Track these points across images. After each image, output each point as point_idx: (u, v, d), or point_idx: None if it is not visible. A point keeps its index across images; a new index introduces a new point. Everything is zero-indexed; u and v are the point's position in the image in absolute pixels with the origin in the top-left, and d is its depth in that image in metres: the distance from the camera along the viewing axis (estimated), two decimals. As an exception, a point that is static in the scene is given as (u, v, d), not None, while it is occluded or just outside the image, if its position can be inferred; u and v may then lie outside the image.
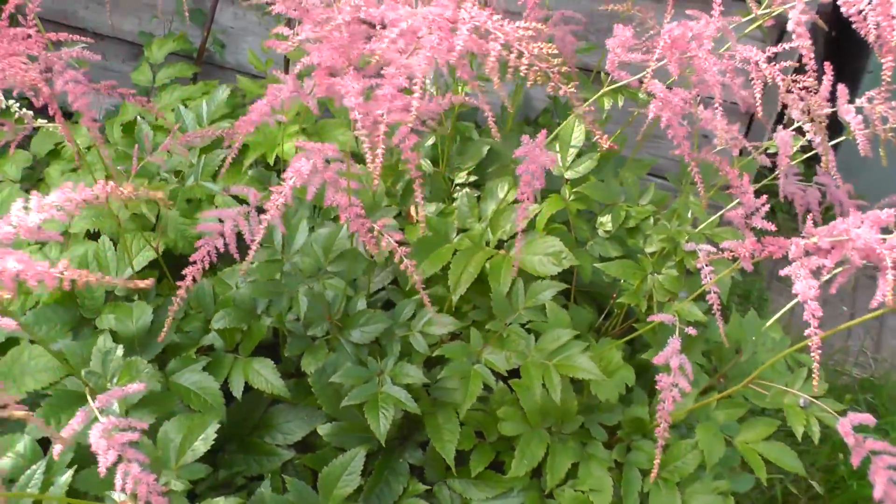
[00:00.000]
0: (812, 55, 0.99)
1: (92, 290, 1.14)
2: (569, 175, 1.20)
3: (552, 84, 0.76)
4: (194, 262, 0.84)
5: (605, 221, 1.20)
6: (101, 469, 0.75)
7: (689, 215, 1.18)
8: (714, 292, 1.03)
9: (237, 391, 1.10)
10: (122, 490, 0.75)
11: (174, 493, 0.86)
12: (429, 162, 1.29)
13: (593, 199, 1.17)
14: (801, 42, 0.98)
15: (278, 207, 0.81)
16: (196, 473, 0.94)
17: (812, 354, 0.82)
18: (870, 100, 1.03)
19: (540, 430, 1.10)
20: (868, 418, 0.97)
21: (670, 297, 1.15)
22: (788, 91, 1.01)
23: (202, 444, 0.96)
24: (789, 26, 1.00)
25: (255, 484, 1.11)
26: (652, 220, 1.18)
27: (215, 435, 0.96)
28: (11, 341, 1.10)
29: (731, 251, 0.88)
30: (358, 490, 1.08)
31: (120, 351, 1.01)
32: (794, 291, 0.84)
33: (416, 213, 1.29)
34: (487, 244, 1.19)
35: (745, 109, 1.07)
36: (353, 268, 1.14)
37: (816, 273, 0.86)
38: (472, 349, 1.07)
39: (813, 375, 1.07)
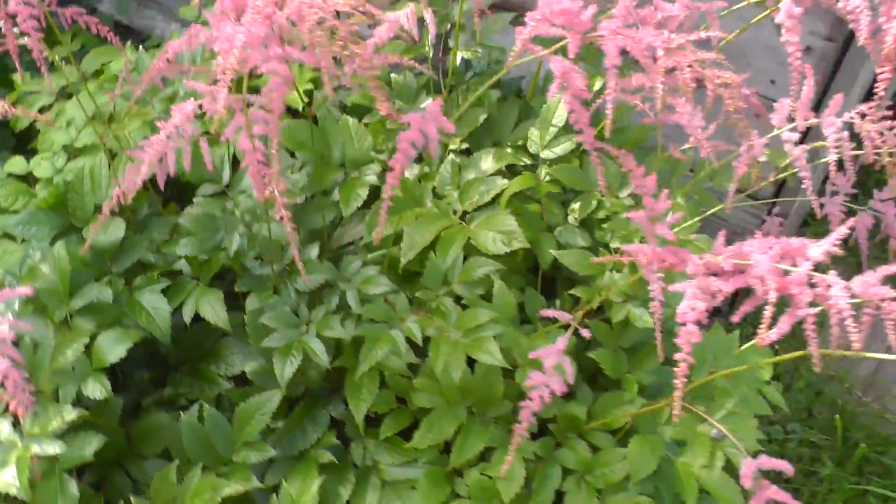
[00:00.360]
0: (797, 51, 0.88)
1: (83, 201, 1.23)
2: (545, 154, 1.15)
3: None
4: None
5: (576, 208, 1.14)
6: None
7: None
8: (658, 300, 0.96)
9: (187, 317, 1.16)
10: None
11: (42, 394, 0.93)
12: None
13: (566, 183, 1.12)
14: (790, 37, 0.88)
15: (176, 131, 0.84)
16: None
17: (675, 382, 0.76)
18: (862, 115, 0.91)
19: (457, 407, 1.08)
20: (782, 465, 0.88)
21: (625, 298, 1.08)
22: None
23: (113, 356, 1.02)
24: (779, 18, 0.90)
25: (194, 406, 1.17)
26: (625, 214, 1.11)
27: (124, 353, 1.03)
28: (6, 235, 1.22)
29: (631, 255, 0.82)
30: (274, 431, 1.12)
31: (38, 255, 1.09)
32: (677, 310, 0.78)
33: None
34: (455, 213, 1.17)
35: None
36: (309, 218, 1.15)
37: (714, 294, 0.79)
38: (397, 314, 1.07)
39: (730, 403, 0.99)
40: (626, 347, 1.16)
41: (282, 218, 0.84)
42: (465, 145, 1.28)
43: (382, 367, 1.09)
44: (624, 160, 0.78)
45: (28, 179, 1.30)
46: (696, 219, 1.08)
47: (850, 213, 1.09)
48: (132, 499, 1.00)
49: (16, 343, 0.84)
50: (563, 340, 0.88)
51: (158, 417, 1.13)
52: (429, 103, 0.83)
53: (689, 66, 0.78)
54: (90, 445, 1.02)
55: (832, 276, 0.68)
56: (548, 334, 1.13)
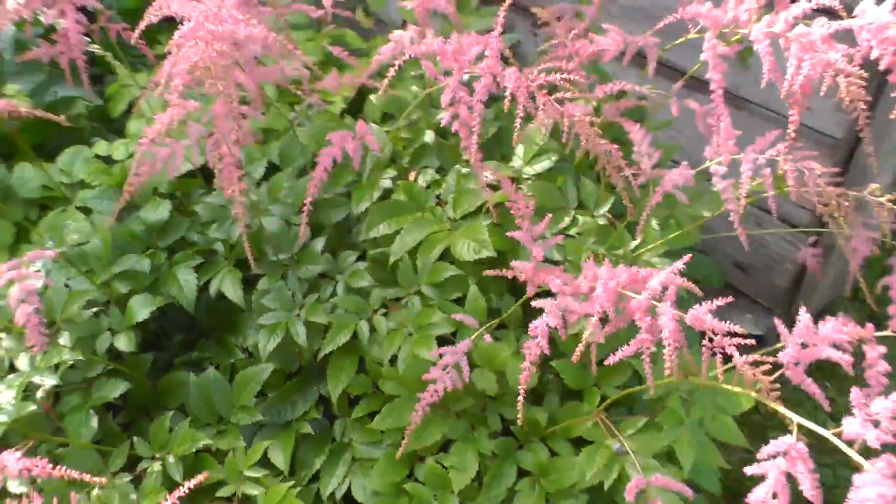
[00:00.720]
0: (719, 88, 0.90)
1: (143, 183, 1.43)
2: (526, 171, 1.21)
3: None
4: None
5: (554, 225, 1.20)
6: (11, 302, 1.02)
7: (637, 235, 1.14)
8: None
9: (213, 292, 1.32)
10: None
11: (56, 335, 1.12)
12: (433, 134, 1.36)
13: (539, 199, 1.18)
14: (713, 75, 0.90)
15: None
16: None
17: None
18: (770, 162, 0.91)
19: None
20: (678, 486, 0.91)
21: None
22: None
23: (140, 316, 1.21)
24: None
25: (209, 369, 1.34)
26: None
27: (147, 314, 1.21)
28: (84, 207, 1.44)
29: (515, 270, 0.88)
30: (265, 400, 1.26)
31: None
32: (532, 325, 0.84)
33: (415, 178, 1.38)
34: (448, 220, 1.26)
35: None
36: (326, 214, 1.29)
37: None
38: (370, 307, 1.18)
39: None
40: (599, 361, 1.21)
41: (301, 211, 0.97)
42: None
43: (363, 354, 1.21)
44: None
45: (110, 161, 1.52)
46: (659, 241, 1.10)
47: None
48: (135, 439, 1.17)
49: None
50: (465, 343, 0.96)
51: (180, 375, 1.30)
52: (359, 124, 0.93)
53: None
54: (116, 390, 1.21)
55: (665, 306, 0.72)
56: (518, 340, 1.20)
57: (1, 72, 1.60)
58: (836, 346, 0.74)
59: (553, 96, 0.90)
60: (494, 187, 1.25)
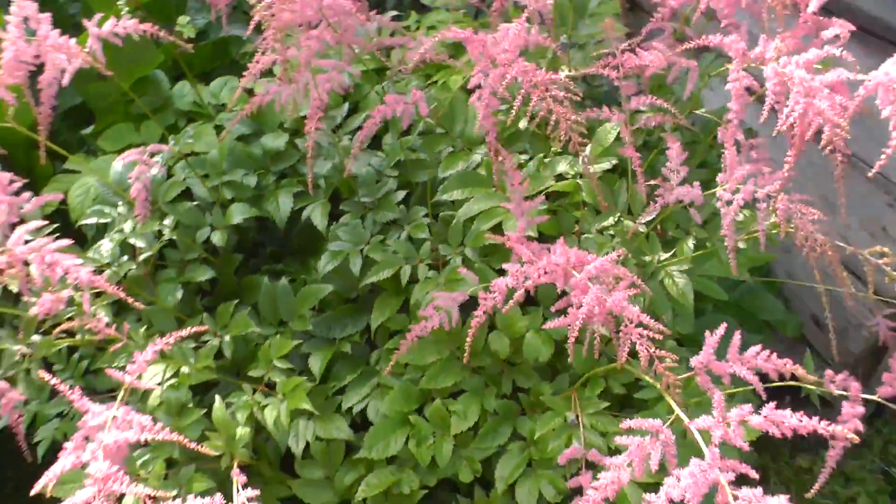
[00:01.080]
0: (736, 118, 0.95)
1: (272, 117, 1.64)
2: (590, 170, 1.31)
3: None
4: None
5: (592, 220, 1.29)
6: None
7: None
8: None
9: (304, 217, 1.51)
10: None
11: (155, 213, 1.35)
12: (526, 122, 1.48)
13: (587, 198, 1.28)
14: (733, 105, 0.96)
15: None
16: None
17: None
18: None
19: (442, 345, 1.30)
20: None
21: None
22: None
23: (236, 219, 1.43)
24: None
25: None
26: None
27: (241, 219, 1.43)
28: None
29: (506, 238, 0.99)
30: (317, 315, 1.44)
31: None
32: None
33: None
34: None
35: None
36: (416, 172, 1.45)
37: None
38: (416, 255, 1.33)
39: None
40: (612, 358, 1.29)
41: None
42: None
43: (408, 296, 1.36)
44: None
45: (251, 93, 1.76)
46: (682, 258, 1.17)
47: None
48: (204, 315, 1.39)
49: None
50: (460, 294, 1.07)
51: (260, 279, 1.51)
52: (413, 90, 1.07)
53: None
54: (204, 275, 1.43)
55: (594, 288, 0.81)
56: (546, 319, 1.31)
57: (184, 8, 1.87)
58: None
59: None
60: (561, 178, 1.36)
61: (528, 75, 0.96)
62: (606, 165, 1.29)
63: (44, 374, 0.86)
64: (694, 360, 0.87)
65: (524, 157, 1.48)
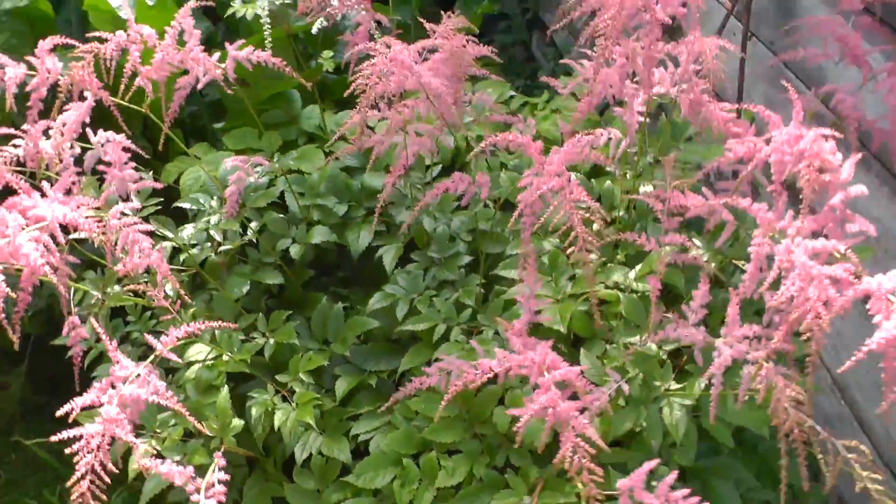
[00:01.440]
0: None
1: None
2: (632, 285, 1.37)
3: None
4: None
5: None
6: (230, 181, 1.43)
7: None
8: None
9: (377, 254, 1.65)
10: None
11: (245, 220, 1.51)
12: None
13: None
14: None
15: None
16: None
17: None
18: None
19: (454, 406, 1.39)
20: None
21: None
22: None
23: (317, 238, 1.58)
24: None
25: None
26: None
27: (320, 240, 1.58)
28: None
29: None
30: (360, 345, 1.56)
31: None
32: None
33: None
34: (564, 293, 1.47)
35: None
36: (487, 244, 1.56)
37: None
38: (456, 317, 1.44)
39: None
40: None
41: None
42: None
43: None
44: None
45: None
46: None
47: None
48: (259, 315, 1.53)
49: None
50: (463, 364, 1.16)
51: (321, 296, 1.65)
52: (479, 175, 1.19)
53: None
54: (274, 279, 1.59)
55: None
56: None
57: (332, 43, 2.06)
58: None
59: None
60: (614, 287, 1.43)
61: (564, 192, 1.05)
62: (648, 286, 1.35)
63: (94, 323, 1.01)
64: (620, 482, 0.92)
65: (593, 256, 1.56)
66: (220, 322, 1.13)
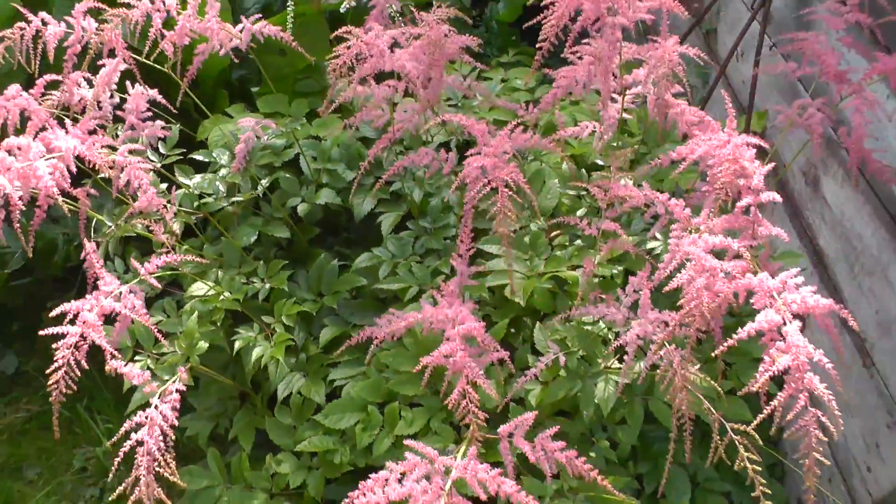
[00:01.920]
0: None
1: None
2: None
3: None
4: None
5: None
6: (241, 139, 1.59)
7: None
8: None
9: (378, 220, 1.78)
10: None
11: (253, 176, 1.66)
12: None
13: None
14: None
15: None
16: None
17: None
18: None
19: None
20: None
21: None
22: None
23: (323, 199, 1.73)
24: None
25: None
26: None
27: (324, 201, 1.72)
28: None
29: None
30: (353, 301, 1.70)
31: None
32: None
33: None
34: (536, 272, 1.57)
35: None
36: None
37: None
38: (430, 282, 1.56)
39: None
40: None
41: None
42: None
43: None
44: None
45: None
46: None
47: None
48: (260, 263, 1.69)
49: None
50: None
51: (321, 251, 1.79)
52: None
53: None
54: (281, 233, 1.74)
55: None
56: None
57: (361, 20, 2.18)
58: None
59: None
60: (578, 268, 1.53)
61: (497, 170, 1.16)
62: (612, 271, 1.45)
63: (88, 246, 1.18)
64: (501, 428, 1.03)
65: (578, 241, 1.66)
66: (199, 258, 1.29)
